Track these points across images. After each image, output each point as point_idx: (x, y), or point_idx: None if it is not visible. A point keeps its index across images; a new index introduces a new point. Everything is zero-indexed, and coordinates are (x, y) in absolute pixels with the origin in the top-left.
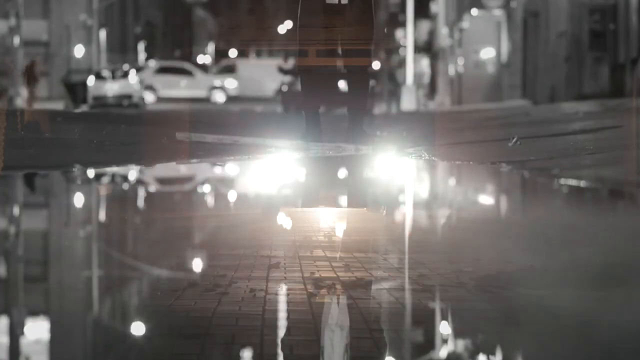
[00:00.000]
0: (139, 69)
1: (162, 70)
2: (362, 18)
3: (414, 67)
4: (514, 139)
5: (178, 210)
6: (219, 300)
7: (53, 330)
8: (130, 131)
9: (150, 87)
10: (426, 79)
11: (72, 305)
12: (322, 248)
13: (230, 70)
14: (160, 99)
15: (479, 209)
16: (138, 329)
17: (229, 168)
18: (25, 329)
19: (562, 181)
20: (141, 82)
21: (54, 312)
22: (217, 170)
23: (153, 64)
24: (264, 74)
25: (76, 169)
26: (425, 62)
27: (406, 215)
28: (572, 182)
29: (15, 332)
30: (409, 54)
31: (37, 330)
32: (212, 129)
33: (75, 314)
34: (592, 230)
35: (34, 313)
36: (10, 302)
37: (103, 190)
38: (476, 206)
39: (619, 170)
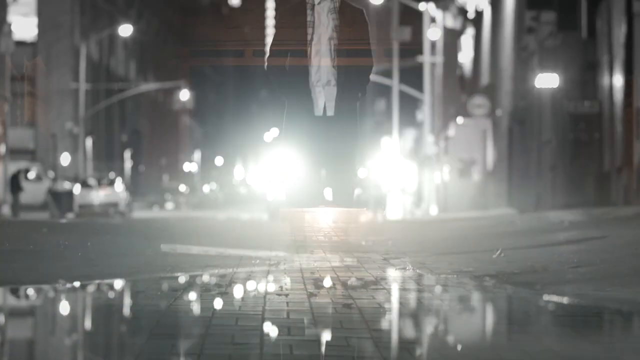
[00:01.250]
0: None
1: None
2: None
3: (400, 174)
4: (498, 251)
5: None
6: (218, 300)
7: None
8: (115, 242)
9: None
10: (412, 187)
11: None
12: (322, 248)
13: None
14: None
15: (454, 331)
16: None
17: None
18: None
19: (545, 297)
20: (127, 190)
21: None
22: (202, 283)
23: None
24: None
25: (60, 284)
26: (411, 170)
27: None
28: (555, 298)
29: None
30: (395, 162)
31: None
32: (198, 240)
33: None
34: None
35: None
36: None
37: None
38: (452, 326)
39: (603, 285)
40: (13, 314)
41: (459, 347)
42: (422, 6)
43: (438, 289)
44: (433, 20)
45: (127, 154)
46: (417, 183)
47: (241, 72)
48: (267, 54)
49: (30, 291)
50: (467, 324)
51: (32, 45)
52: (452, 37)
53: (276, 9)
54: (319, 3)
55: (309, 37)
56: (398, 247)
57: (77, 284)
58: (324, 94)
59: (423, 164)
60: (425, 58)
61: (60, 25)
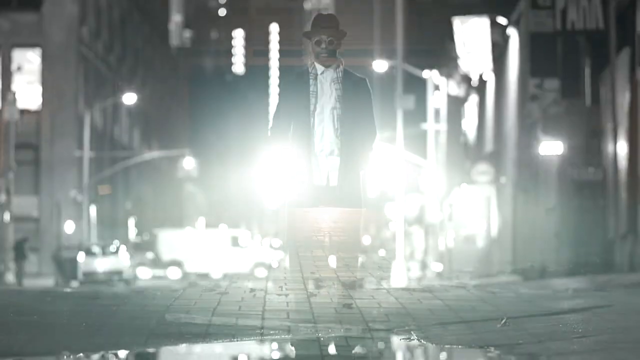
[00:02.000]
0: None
1: None
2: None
3: (405, 240)
4: (503, 320)
5: None
6: (218, 301)
7: None
8: (120, 313)
9: None
10: (418, 253)
11: None
12: (322, 248)
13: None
14: None
15: None
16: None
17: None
18: None
19: None
20: (131, 257)
21: None
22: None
23: None
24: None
25: (65, 357)
26: (417, 236)
27: None
28: None
29: None
30: (399, 229)
31: None
32: (201, 308)
33: None
34: None
35: None
36: None
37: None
38: None
39: (609, 357)
40: None
41: None
42: (425, 74)
43: (443, 356)
44: (437, 87)
45: (131, 222)
46: (422, 250)
47: (245, 140)
48: (270, 124)
49: None
50: None
51: (36, 113)
52: (455, 105)
53: (279, 78)
54: (321, 73)
55: (312, 107)
56: (402, 317)
57: (81, 355)
58: (327, 163)
59: (427, 231)
60: (429, 125)
61: (64, 93)
